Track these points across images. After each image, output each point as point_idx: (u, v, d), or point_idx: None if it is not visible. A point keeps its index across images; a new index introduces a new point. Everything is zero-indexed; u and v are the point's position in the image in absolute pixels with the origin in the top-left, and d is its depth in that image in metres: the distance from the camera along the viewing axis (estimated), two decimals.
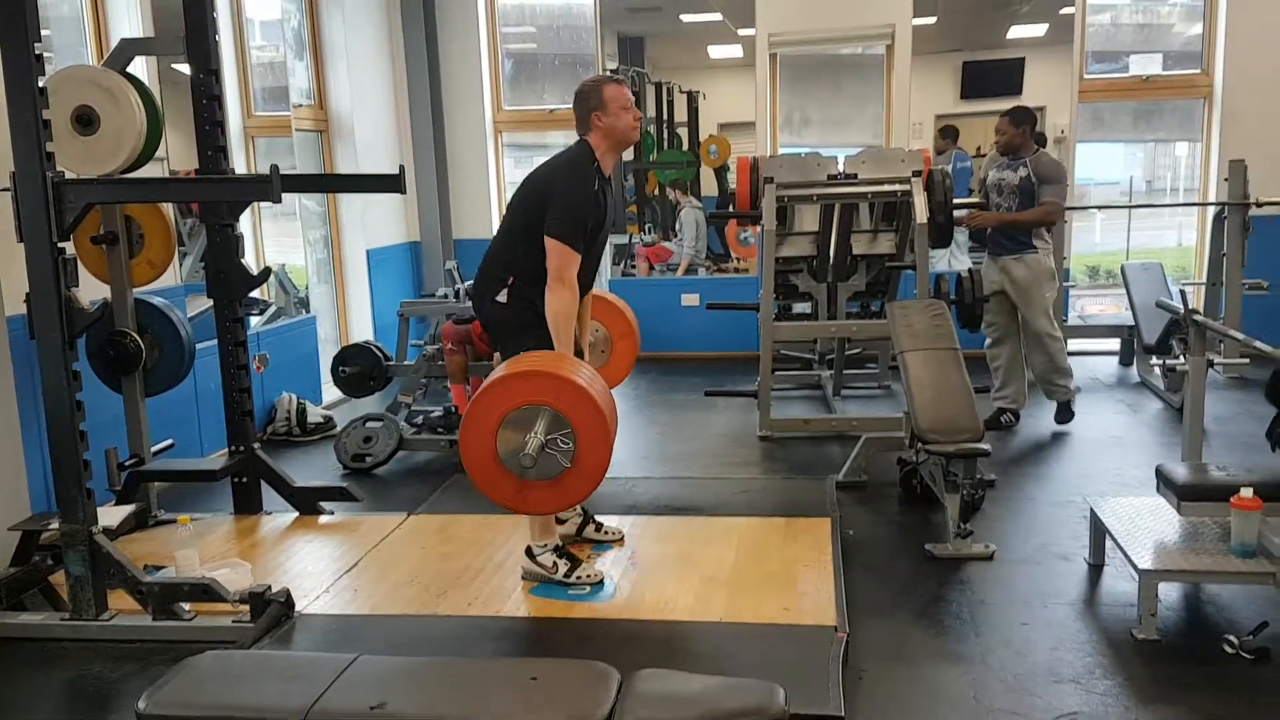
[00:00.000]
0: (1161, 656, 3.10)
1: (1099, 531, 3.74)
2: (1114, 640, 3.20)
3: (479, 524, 4.28)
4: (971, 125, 9.34)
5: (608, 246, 8.61)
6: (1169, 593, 3.44)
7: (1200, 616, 3.39)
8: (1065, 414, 5.70)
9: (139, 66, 4.44)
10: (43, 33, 3.25)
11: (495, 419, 3.11)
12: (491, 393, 3.15)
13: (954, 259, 8.14)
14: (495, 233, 3.78)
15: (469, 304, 5.80)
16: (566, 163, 3.63)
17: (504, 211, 3.85)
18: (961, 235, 8.23)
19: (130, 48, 4.19)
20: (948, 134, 7.57)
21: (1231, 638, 3.09)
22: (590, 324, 4.15)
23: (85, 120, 3.86)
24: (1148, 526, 3.50)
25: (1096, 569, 3.76)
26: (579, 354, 3.76)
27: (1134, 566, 3.26)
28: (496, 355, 4.11)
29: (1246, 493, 3.20)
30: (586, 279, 3.71)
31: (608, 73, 3.66)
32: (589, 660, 2.41)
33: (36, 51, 3.17)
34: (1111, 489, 4.55)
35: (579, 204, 3.51)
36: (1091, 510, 3.77)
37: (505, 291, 3.59)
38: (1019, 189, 5.43)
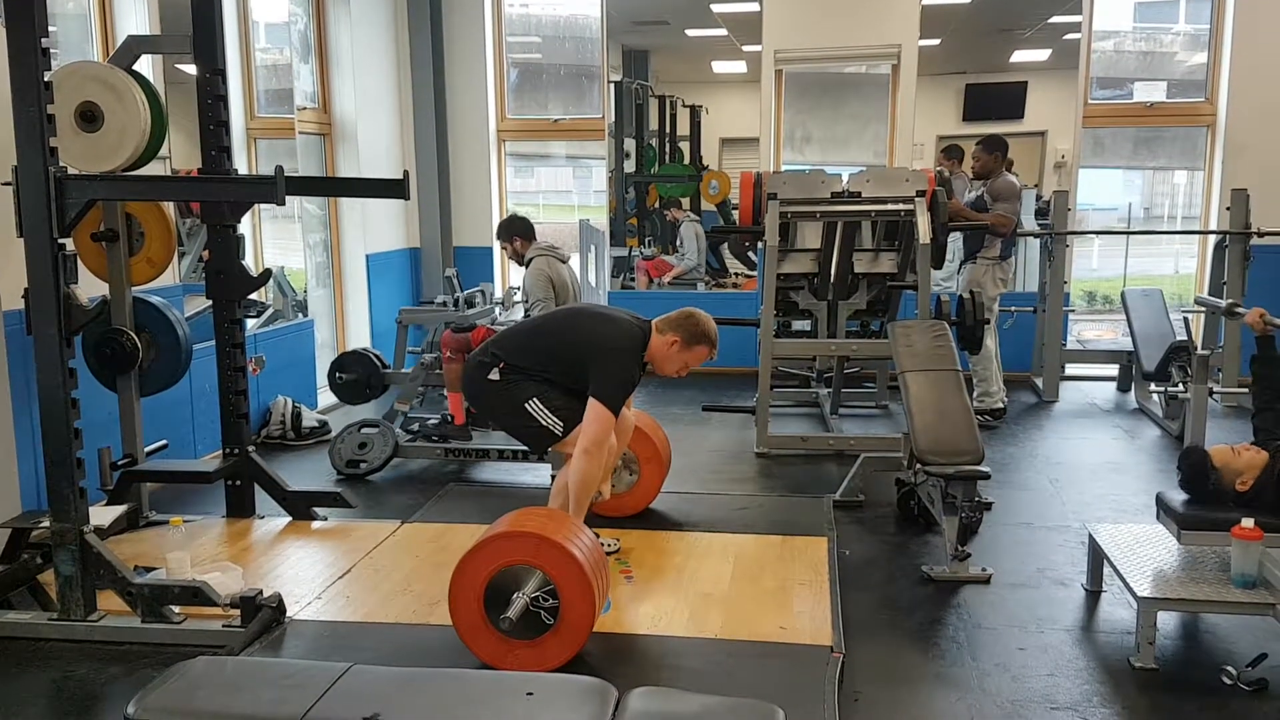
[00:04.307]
0: (1159, 686, 3.08)
1: (1097, 558, 3.72)
2: (1111, 668, 3.19)
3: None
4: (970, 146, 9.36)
5: (606, 259, 8.65)
6: (1167, 621, 3.42)
7: (1199, 646, 3.37)
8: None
9: (144, 65, 4.42)
10: (50, 28, 3.22)
11: (485, 575, 3.08)
12: (485, 548, 3.12)
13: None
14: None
15: (468, 311, 5.80)
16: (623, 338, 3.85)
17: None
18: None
19: (136, 45, 4.17)
20: (952, 153, 7.46)
21: (1230, 668, 3.06)
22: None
23: (89, 116, 3.84)
24: (1147, 554, 3.48)
25: (1094, 595, 3.74)
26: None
27: (1133, 594, 3.25)
28: None
29: (1248, 523, 3.18)
30: None
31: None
32: (587, 676, 2.38)
33: (43, 46, 3.15)
34: (1110, 515, 4.54)
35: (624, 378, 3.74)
36: (1090, 536, 3.76)
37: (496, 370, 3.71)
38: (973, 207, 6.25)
